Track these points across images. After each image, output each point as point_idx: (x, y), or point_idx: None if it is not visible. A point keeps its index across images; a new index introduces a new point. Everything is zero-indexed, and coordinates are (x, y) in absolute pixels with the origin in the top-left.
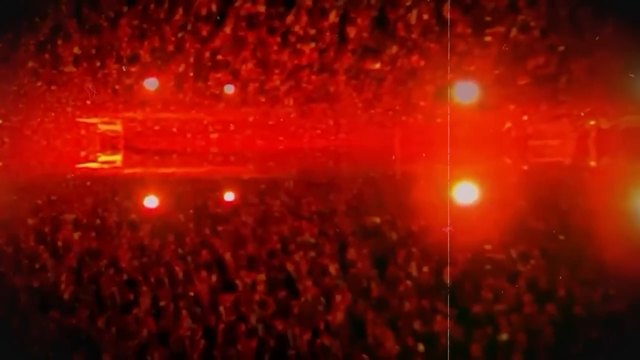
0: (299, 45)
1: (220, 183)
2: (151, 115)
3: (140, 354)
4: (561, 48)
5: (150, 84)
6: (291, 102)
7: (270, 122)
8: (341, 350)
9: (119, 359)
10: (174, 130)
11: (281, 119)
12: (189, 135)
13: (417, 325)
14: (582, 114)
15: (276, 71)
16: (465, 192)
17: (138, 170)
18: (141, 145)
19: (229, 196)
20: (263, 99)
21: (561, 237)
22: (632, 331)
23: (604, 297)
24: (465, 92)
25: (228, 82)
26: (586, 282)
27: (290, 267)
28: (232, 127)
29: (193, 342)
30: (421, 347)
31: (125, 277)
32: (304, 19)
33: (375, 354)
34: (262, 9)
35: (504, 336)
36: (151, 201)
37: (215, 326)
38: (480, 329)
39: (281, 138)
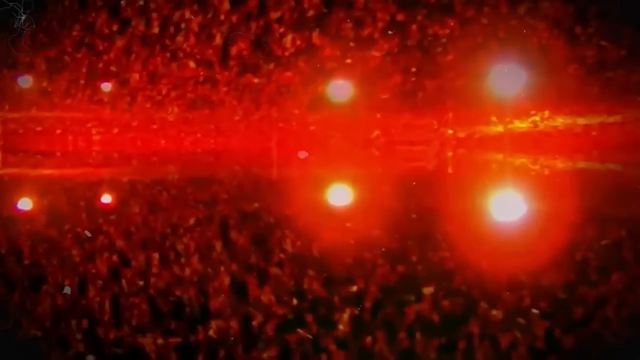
0: (186, 60)
1: (104, 179)
2: (33, 116)
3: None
4: (413, 69)
5: (24, 81)
6: (176, 109)
7: (154, 126)
8: (229, 308)
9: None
10: (58, 131)
11: (164, 124)
12: (70, 137)
13: (290, 286)
14: (437, 125)
15: (164, 82)
16: (338, 190)
17: (15, 171)
18: (21, 146)
19: (114, 189)
20: (149, 105)
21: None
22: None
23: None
24: (338, 102)
25: (118, 90)
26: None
27: (179, 246)
28: (115, 130)
29: (102, 308)
30: (295, 301)
31: None
32: (192, 39)
33: (257, 307)
34: (156, 30)
35: (353, 288)
36: (24, 203)
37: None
38: (343, 285)
39: (163, 141)
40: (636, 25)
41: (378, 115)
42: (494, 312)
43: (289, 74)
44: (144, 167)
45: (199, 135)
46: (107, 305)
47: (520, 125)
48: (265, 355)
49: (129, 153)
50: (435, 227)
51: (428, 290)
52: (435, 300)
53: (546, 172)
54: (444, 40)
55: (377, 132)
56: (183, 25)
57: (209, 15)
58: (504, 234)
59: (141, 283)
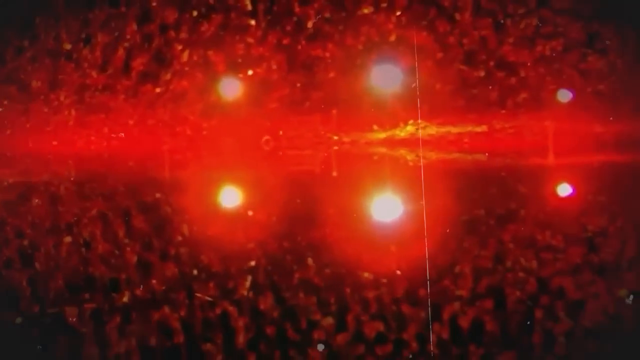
0: (88, 70)
1: None
2: None
3: None
4: (299, 84)
5: None
6: (73, 113)
7: (48, 128)
8: (137, 279)
9: None
10: None
11: (58, 126)
12: None
13: (189, 261)
14: (324, 131)
15: (64, 88)
16: (228, 190)
17: None
18: None
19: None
20: (46, 110)
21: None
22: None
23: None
24: (231, 111)
25: (17, 97)
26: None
27: (85, 233)
28: (8, 131)
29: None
30: (195, 272)
31: None
32: (98, 52)
33: (161, 278)
34: (68, 47)
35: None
36: None
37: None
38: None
39: (55, 142)
40: (498, 47)
41: (268, 123)
42: (365, 309)
43: (185, 83)
44: (39, 165)
45: (92, 137)
46: (24, 283)
47: (400, 132)
48: (171, 316)
49: (21, 153)
50: (318, 226)
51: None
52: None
53: (423, 175)
54: (328, 59)
55: (266, 137)
56: (91, 40)
57: (116, 34)
58: (383, 233)
59: (54, 264)
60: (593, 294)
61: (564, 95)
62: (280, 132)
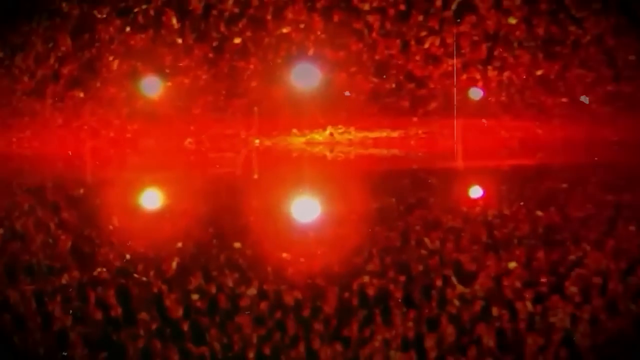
0: (20, 76)
1: None
2: None
3: None
4: (224, 91)
5: None
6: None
7: None
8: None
9: None
10: None
11: None
12: None
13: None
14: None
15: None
16: (149, 190)
17: None
18: None
19: None
20: None
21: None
22: None
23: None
24: (155, 115)
25: None
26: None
27: (18, 225)
28: None
29: None
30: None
31: None
32: (31, 60)
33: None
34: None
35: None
36: None
37: None
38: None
39: None
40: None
41: (192, 128)
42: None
43: (113, 90)
44: None
45: (14, 139)
46: None
47: (319, 136)
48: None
49: None
50: (238, 226)
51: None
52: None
53: (341, 178)
54: (251, 71)
55: (189, 140)
56: (24, 47)
57: (50, 44)
58: (303, 234)
59: None
60: (484, 265)
61: (470, 104)
62: (203, 135)
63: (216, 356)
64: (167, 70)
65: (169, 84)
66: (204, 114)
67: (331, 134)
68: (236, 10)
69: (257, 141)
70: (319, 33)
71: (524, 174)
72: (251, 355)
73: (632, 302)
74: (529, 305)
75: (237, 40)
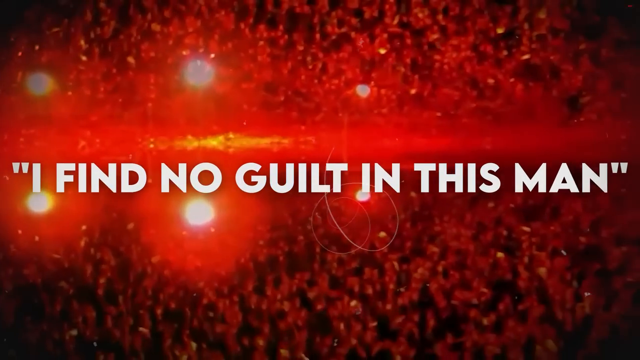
0: None
1: None
2: None
3: None
4: (120, 100)
5: None
6: None
7: None
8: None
9: None
10: None
11: None
12: None
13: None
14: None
15: None
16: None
17: None
18: None
19: None
20: None
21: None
22: None
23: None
24: (52, 119)
25: None
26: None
27: None
28: None
29: None
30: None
31: None
32: None
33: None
34: None
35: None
36: None
37: None
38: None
39: None
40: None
41: (88, 133)
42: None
43: (13, 98)
44: None
45: None
46: None
47: (212, 141)
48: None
49: None
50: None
51: None
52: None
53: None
54: (150, 84)
55: (82, 144)
56: None
57: None
58: (194, 238)
59: None
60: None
61: (352, 116)
62: (97, 140)
63: None
64: (70, 83)
65: (70, 93)
66: (102, 120)
67: (225, 139)
68: (138, 36)
69: (151, 145)
70: (215, 55)
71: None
72: None
73: None
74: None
75: (131, 60)
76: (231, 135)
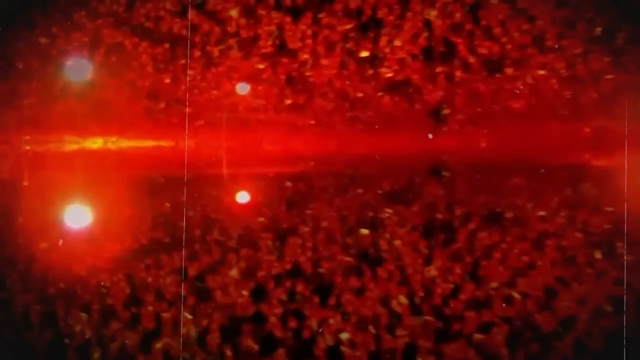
0: None
1: None
2: None
3: None
4: None
5: None
6: None
7: None
8: None
9: None
10: None
11: None
12: None
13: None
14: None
15: None
16: None
17: None
18: None
19: None
20: None
21: None
22: None
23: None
24: None
25: None
26: None
27: None
28: None
29: None
30: None
31: None
32: None
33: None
34: None
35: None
36: None
37: None
38: None
39: None
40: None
41: None
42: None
43: None
44: None
45: None
46: None
47: (92, 144)
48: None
49: None
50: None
51: None
52: None
53: (113, 183)
54: (32, 92)
55: None
56: None
57: None
58: (78, 240)
59: None
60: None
61: (234, 122)
62: None
63: None
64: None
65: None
66: None
67: (105, 143)
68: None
69: (27, 147)
70: (98, 65)
71: (285, 179)
72: None
73: None
74: None
75: (20, 66)
76: (112, 138)
